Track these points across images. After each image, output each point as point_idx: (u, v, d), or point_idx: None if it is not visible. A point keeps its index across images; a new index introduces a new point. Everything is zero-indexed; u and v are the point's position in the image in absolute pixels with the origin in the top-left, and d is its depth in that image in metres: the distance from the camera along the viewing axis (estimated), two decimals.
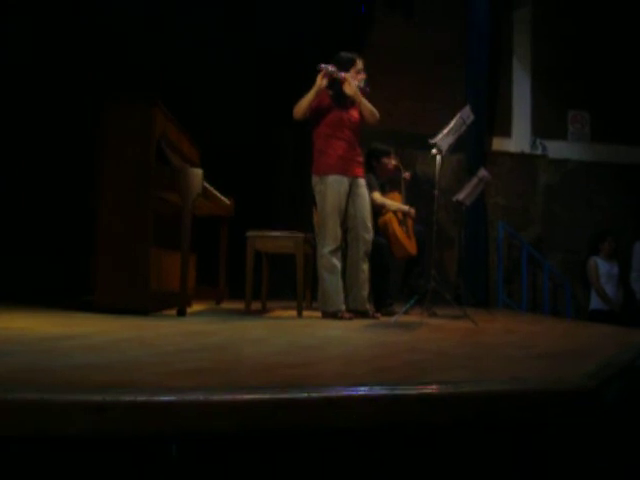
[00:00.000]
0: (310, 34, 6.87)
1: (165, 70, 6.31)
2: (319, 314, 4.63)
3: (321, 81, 4.57)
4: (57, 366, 1.86)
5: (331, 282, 4.53)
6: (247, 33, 6.81)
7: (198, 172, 4.31)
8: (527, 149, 8.33)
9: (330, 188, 4.59)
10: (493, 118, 8.17)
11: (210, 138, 6.01)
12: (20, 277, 5.47)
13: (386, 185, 5.59)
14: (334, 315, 4.47)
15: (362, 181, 4.77)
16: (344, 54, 4.76)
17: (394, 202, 5.37)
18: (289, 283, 5.52)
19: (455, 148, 5.04)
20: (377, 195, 5.26)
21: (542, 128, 8.36)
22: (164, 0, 6.53)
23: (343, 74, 4.62)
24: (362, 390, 1.53)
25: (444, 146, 4.53)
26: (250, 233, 4.81)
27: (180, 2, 6.63)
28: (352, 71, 4.68)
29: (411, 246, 5.24)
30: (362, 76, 4.75)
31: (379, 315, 4.75)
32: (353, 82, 4.63)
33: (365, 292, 4.71)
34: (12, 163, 5.87)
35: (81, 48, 6.17)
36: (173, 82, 6.17)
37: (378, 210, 5.19)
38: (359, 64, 4.74)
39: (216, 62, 6.71)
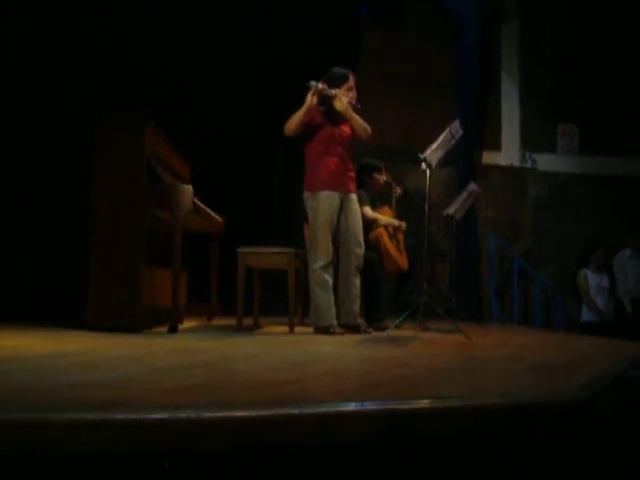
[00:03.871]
0: (307, 41, 6.89)
1: (156, 81, 6.28)
2: (311, 329, 4.62)
3: (311, 99, 4.56)
4: (53, 384, 1.87)
5: (323, 298, 4.53)
6: (243, 42, 6.83)
7: (188, 188, 4.31)
8: (517, 162, 8.38)
9: (322, 204, 4.59)
10: (483, 132, 8.23)
11: (201, 154, 6.01)
12: (11, 295, 5.45)
13: (376, 200, 5.61)
14: (326, 330, 4.46)
15: (354, 196, 4.77)
16: (337, 69, 4.74)
17: (385, 217, 5.39)
18: (281, 299, 5.51)
19: (445, 162, 5.06)
20: (368, 210, 5.26)
21: (531, 141, 8.42)
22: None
23: (334, 91, 4.63)
24: (354, 406, 1.53)
25: (433, 160, 4.55)
26: (241, 249, 4.80)
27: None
28: (344, 88, 4.67)
29: (402, 260, 5.25)
30: (353, 93, 4.73)
31: (371, 330, 4.74)
32: (344, 99, 4.64)
33: (357, 307, 4.70)
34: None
35: (78, 51, 6.16)
36: (164, 95, 6.14)
37: (369, 225, 5.20)
38: (351, 80, 4.72)
39: (207, 72, 6.70)
